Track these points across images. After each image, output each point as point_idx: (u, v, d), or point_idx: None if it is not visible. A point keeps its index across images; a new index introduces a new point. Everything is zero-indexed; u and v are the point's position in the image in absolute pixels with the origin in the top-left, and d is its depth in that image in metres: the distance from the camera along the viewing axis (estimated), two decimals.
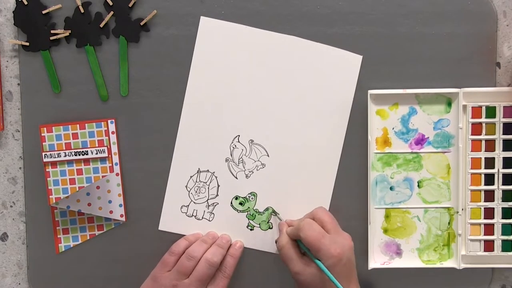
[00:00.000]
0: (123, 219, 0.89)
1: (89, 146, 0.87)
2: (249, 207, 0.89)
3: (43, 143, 0.87)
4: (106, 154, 0.87)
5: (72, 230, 0.89)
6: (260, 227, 0.89)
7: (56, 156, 0.86)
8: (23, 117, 0.88)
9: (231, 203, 0.89)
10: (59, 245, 0.89)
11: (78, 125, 0.87)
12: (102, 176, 0.87)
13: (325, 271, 0.77)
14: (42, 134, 0.87)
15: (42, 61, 0.87)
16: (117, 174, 0.89)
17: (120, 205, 0.89)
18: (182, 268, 0.84)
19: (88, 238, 0.89)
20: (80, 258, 0.90)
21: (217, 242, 0.88)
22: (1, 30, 0.87)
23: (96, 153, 0.87)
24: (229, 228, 0.90)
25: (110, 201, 0.89)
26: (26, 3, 0.85)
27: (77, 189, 0.86)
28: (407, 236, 0.89)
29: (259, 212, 0.89)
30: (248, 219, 0.90)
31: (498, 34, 0.87)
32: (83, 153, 0.87)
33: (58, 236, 0.89)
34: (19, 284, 0.92)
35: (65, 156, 0.86)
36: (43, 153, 0.86)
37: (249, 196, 0.89)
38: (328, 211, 0.87)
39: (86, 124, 0.87)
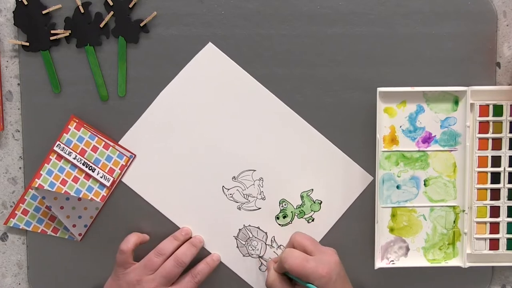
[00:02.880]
0: (78, 238, 0.89)
1: (99, 166, 0.87)
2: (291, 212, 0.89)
3: (64, 134, 0.86)
4: (108, 184, 0.87)
5: (31, 216, 0.88)
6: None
7: (67, 153, 0.86)
8: (23, 117, 0.88)
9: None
10: (11, 219, 0.88)
11: (104, 142, 0.87)
12: (91, 199, 0.87)
13: None
14: (69, 126, 0.86)
15: (42, 61, 0.86)
16: (102, 199, 0.88)
17: (85, 226, 0.89)
18: (148, 263, 0.83)
19: (39, 232, 0.88)
20: (80, 258, 0.90)
21: (190, 240, 0.87)
22: (1, 30, 0.87)
23: (101, 177, 0.87)
24: None
25: (80, 217, 0.88)
26: (26, 3, 0.84)
27: (62, 192, 0.86)
28: (413, 235, 0.88)
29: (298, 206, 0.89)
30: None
31: (498, 34, 0.87)
32: (90, 168, 0.86)
33: (16, 212, 0.88)
34: (19, 284, 0.91)
35: (74, 159, 0.86)
36: (58, 142, 0.86)
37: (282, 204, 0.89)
38: (305, 234, 0.85)
39: (110, 147, 0.87)
